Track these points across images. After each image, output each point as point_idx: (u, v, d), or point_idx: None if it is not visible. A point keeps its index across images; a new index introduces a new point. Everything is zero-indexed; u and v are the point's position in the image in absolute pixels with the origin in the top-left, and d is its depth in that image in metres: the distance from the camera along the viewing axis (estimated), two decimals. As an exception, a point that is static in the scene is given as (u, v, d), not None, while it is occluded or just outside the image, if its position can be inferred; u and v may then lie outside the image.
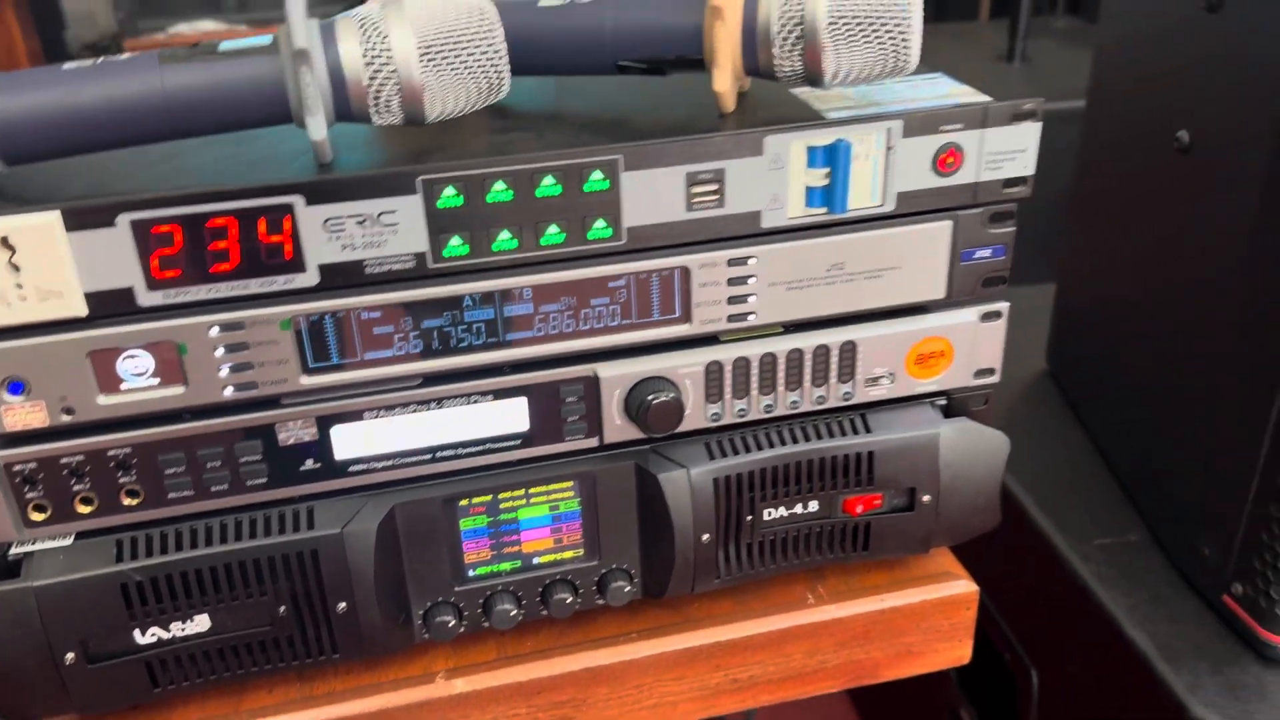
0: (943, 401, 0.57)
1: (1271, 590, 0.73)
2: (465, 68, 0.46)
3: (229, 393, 0.47)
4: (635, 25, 0.50)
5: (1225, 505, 0.74)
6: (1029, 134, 0.51)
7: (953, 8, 2.35)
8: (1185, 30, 0.79)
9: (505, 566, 0.54)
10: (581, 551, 0.55)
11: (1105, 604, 0.81)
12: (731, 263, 0.51)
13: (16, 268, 0.43)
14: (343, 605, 0.51)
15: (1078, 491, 0.94)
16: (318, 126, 0.44)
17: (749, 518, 0.55)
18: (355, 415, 0.49)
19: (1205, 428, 0.76)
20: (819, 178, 0.50)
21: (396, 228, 0.46)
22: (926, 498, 0.56)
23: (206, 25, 1.75)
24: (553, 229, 0.48)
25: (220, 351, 0.47)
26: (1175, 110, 0.80)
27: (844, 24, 0.47)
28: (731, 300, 0.52)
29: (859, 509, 0.56)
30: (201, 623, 0.50)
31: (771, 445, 0.54)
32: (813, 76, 0.48)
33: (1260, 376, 0.69)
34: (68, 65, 0.45)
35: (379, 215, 0.46)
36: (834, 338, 0.54)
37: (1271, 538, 0.72)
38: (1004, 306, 0.56)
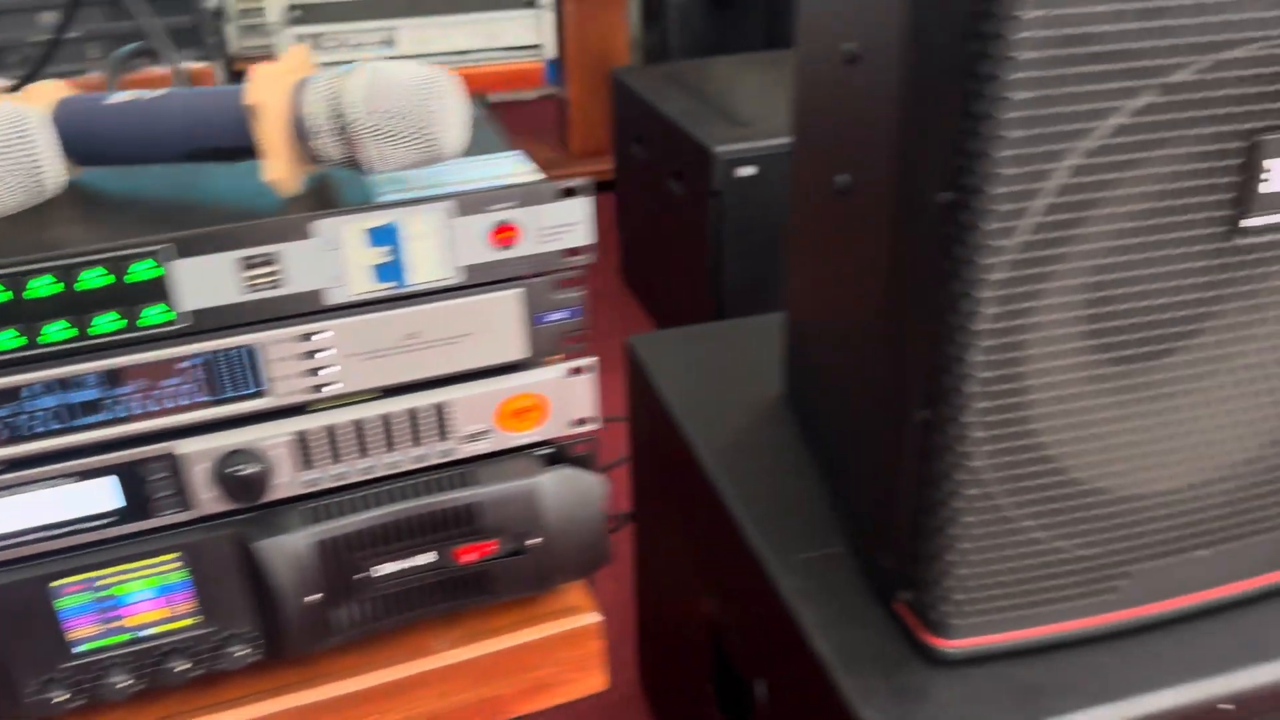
0: (548, 450, 0.61)
1: (929, 596, 0.79)
2: (5, 171, 0.48)
3: None
4: (198, 118, 0.53)
5: (892, 518, 0.80)
6: (579, 208, 0.55)
7: (781, 39, 2.52)
8: (836, 81, 0.85)
9: (114, 640, 0.56)
10: (195, 619, 0.57)
11: (799, 615, 0.87)
12: (303, 337, 0.54)
13: None
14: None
15: (795, 509, 0.99)
16: None
17: (359, 576, 0.58)
18: (-77, 507, 0.51)
19: (876, 447, 0.82)
20: (382, 255, 0.53)
21: (-61, 326, 0.48)
22: (535, 541, 0.60)
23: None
24: (109, 316, 0.50)
25: None
26: (835, 155, 0.86)
27: (376, 119, 0.50)
28: (311, 372, 0.55)
29: (472, 557, 0.60)
30: None
31: (373, 506, 0.57)
32: (356, 165, 0.52)
33: (902, 402, 0.75)
34: None
35: (-80, 315, 0.47)
36: (423, 400, 0.57)
37: (929, 548, 0.78)
38: (591, 361, 0.60)
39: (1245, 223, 0.70)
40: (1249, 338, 0.74)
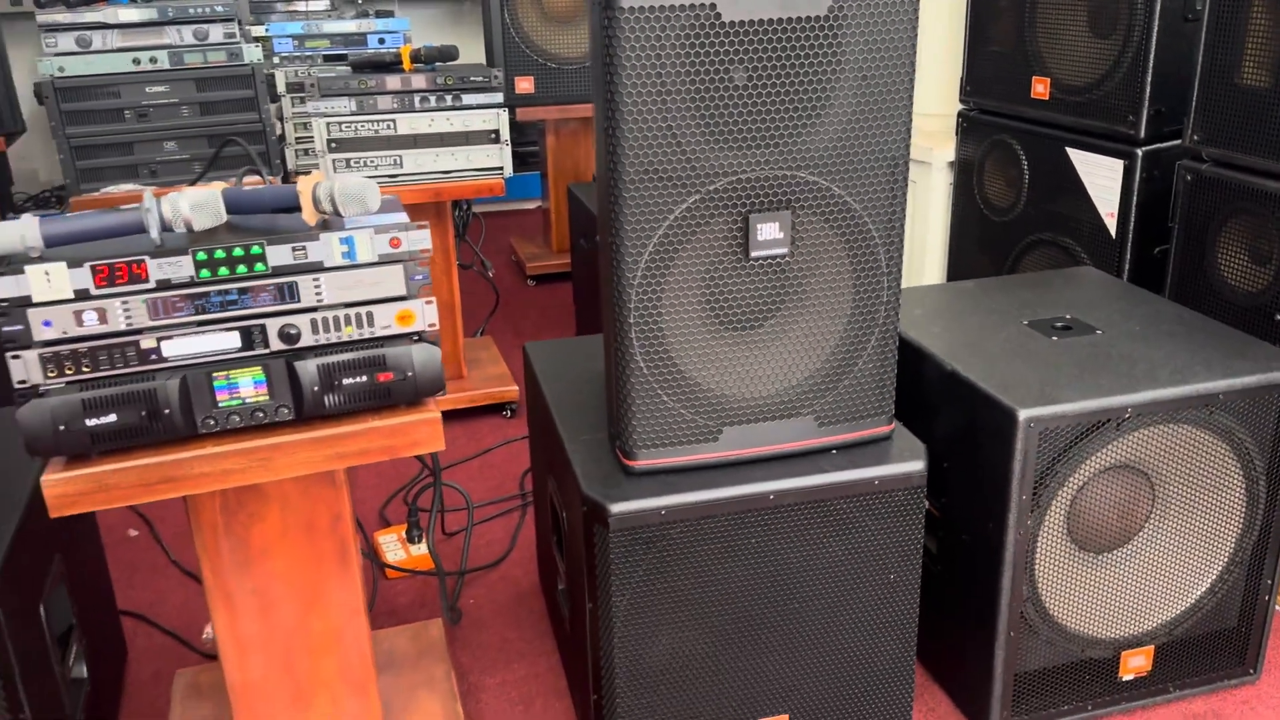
0: (416, 336, 1.45)
1: (623, 441, 1.62)
2: (210, 213, 1.34)
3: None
4: (279, 196, 1.40)
5: (612, 405, 1.63)
6: (425, 234, 1.40)
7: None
8: (595, 198, 1.72)
9: (234, 403, 1.39)
10: (267, 397, 1.41)
11: (574, 462, 1.69)
12: (314, 279, 1.38)
13: None
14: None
15: (590, 416, 1.83)
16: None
17: (336, 382, 1.41)
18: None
19: (607, 369, 1.67)
20: (345, 249, 1.38)
21: (184, 268, 1.34)
22: (410, 374, 1.43)
23: (127, 187, 2.65)
24: (243, 266, 1.35)
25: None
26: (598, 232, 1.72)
27: (343, 198, 1.36)
28: (317, 294, 1.39)
29: (384, 379, 1.43)
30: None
31: (342, 352, 1.41)
32: (339, 214, 1.37)
33: (612, 345, 1.59)
34: (69, 215, 1.32)
35: (178, 263, 1.33)
36: (363, 310, 1.41)
37: (623, 416, 1.61)
38: (431, 297, 1.44)
39: (753, 254, 1.55)
40: (798, 317, 1.58)
